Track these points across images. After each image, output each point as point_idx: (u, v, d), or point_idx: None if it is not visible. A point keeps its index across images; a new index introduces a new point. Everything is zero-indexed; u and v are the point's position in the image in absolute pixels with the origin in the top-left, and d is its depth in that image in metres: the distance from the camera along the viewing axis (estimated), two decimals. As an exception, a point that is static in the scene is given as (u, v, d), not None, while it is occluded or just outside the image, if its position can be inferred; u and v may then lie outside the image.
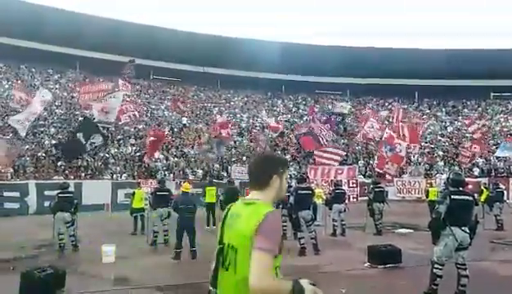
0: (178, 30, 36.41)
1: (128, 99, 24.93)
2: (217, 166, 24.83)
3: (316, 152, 23.38)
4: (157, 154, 22.78)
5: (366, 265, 7.79)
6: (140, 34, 33.69)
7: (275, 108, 38.55)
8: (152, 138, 20.73)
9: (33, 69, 33.72)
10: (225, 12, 79.00)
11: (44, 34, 31.68)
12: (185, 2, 65.29)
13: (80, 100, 24.35)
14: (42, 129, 25.07)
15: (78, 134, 17.67)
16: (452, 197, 5.78)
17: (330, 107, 37.19)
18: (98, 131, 18.22)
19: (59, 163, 21.25)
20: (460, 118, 36.85)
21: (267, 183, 2.11)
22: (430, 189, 15.83)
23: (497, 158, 26.61)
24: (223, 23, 73.87)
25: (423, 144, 31.70)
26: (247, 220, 1.97)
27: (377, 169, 22.90)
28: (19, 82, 29.32)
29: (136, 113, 23.30)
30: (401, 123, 25.35)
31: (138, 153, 24.16)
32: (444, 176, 16.43)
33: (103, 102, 20.87)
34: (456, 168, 25.00)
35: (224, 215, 2.18)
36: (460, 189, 5.95)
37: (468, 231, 5.73)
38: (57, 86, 32.47)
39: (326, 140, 25.08)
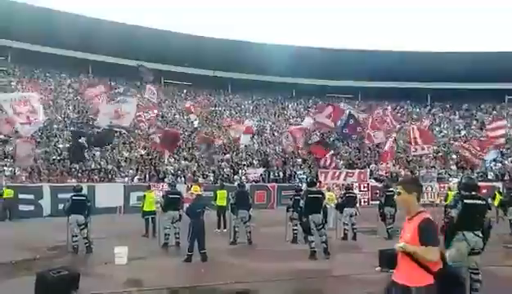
0: (189, 34, 36.68)
1: (144, 104, 24.71)
2: (228, 169, 24.94)
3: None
4: (167, 155, 22.81)
5: (376, 269, 7.73)
6: (151, 38, 34.02)
7: (285, 111, 38.56)
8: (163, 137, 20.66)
9: (48, 74, 34.33)
10: (235, 16, 79.42)
11: (58, 39, 32.23)
12: (195, 5, 65.86)
13: (88, 103, 24.57)
14: (55, 133, 25.49)
15: (81, 138, 17.35)
16: (465, 201, 5.72)
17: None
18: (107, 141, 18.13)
19: (72, 166, 21.55)
20: (474, 121, 36.38)
21: None
22: (449, 192, 15.63)
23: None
24: (234, 26, 74.30)
25: (435, 147, 31.43)
26: None
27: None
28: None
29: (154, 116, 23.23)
30: (412, 126, 25.12)
31: (150, 157, 24.38)
32: (456, 180, 16.22)
33: (113, 104, 20.93)
34: (469, 172, 24.78)
35: None
36: (473, 193, 5.89)
37: (481, 236, 5.67)
38: (70, 90, 33.00)
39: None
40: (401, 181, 3.47)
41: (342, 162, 27.20)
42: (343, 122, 22.61)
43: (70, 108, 29.65)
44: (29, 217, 16.55)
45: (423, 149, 23.64)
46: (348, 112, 24.61)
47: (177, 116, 32.46)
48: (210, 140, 22.96)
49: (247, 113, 36.46)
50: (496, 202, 14.34)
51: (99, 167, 22.44)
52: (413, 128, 24.00)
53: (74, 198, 9.85)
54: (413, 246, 2.99)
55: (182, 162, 25.10)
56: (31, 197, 17.67)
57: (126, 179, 21.68)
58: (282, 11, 79.37)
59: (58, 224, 11.85)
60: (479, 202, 5.84)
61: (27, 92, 19.80)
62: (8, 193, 16.81)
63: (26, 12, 30.34)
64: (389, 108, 28.95)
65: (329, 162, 22.37)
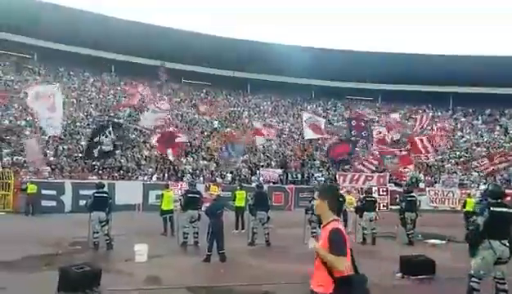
0: (209, 35, 36.97)
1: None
2: (246, 170, 24.98)
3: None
4: (171, 155, 22.96)
5: (397, 275, 7.62)
6: (172, 38, 34.40)
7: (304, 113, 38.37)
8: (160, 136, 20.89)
9: (72, 72, 35.09)
10: (256, 17, 79.56)
11: (82, 38, 32.96)
12: (217, 6, 66.32)
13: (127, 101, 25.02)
14: (78, 130, 26.01)
15: (95, 138, 17.34)
16: (492, 209, 5.61)
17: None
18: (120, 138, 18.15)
19: (93, 163, 21.94)
20: (497, 127, 35.47)
21: None
22: (468, 199, 15.29)
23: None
24: (254, 28, 74.45)
25: (457, 153, 30.78)
26: None
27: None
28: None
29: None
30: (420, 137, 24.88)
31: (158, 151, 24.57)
32: (483, 187, 15.85)
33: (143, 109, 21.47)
34: (492, 179, 24.15)
35: None
36: (500, 200, 5.75)
37: (507, 245, 5.52)
38: (93, 89, 33.64)
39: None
40: (319, 188, 3.67)
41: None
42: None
43: (93, 106, 30.21)
44: (51, 212, 16.92)
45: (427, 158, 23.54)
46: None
47: (196, 116, 32.69)
48: (243, 141, 23.18)
49: (265, 114, 36.46)
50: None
51: (119, 164, 22.76)
52: (421, 140, 23.82)
53: (96, 194, 10.00)
54: (325, 251, 3.06)
55: (201, 161, 25.27)
56: (53, 193, 18.05)
57: (145, 177, 21.93)
58: (303, 12, 79.08)
59: (79, 220, 12.08)
60: (506, 210, 5.70)
61: (51, 86, 20.09)
62: (32, 189, 17.17)
63: (52, 12, 31.10)
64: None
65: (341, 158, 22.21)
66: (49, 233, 11.78)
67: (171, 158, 21.52)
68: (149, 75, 35.87)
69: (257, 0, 76.03)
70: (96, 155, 17.74)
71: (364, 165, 23.09)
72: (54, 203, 17.90)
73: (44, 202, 17.67)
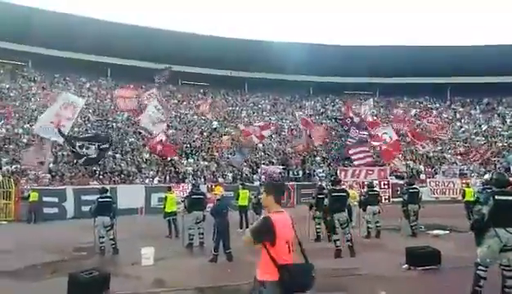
0: (205, 35, 36.95)
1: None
2: (248, 169, 25.02)
3: (350, 151, 23.44)
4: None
5: (404, 266, 7.66)
6: (168, 40, 34.32)
7: (303, 110, 38.45)
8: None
9: (68, 78, 35.00)
10: (251, 15, 79.51)
11: (77, 43, 32.77)
12: (211, 6, 66.27)
13: (121, 104, 24.87)
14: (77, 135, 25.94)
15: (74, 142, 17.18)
16: (496, 197, 5.63)
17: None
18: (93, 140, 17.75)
19: (94, 169, 21.94)
20: (495, 116, 35.55)
21: None
22: (467, 189, 15.37)
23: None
24: (249, 26, 74.37)
25: (457, 143, 30.89)
26: None
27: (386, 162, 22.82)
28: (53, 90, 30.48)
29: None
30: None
31: (170, 158, 24.63)
32: (487, 176, 15.90)
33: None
34: (493, 167, 24.27)
35: None
36: (504, 189, 5.78)
37: (512, 232, 5.56)
38: (90, 93, 33.57)
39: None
40: (264, 184, 4.09)
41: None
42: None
43: (90, 111, 30.17)
44: (53, 220, 16.91)
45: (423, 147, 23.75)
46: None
47: (195, 117, 32.68)
48: (252, 144, 23.19)
49: (264, 112, 36.46)
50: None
51: (120, 168, 22.76)
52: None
53: (99, 199, 10.00)
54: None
55: (201, 162, 25.28)
56: (55, 199, 18.07)
57: (147, 180, 21.95)
58: (297, 9, 79.11)
59: (82, 225, 12.09)
60: (510, 198, 5.73)
61: (75, 97, 20.05)
62: (34, 197, 17.17)
63: (46, 18, 30.98)
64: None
65: (362, 155, 22.46)
66: (53, 240, 11.79)
67: (176, 157, 21.53)
68: (146, 78, 35.83)
69: (250, -2, 76.03)
70: (81, 163, 17.69)
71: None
72: (56, 210, 17.91)
73: (46, 210, 17.68)
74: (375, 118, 24.80)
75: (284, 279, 3.18)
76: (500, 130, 32.49)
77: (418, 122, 32.73)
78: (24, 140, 23.41)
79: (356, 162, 22.89)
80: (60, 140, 19.33)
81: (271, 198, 3.50)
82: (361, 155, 22.69)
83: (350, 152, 23.59)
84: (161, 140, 20.66)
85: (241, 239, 3.37)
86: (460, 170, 26.36)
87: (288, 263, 3.27)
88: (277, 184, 3.79)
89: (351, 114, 28.67)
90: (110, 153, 22.00)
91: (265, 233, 3.28)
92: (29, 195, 17.30)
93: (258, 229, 3.33)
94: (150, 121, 19.66)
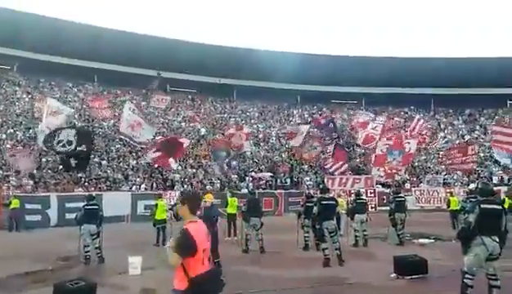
0: (194, 42, 36.91)
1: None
2: (236, 176, 24.96)
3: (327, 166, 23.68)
4: (173, 163, 22.59)
5: (392, 275, 7.71)
6: (156, 47, 34.21)
7: (291, 118, 38.64)
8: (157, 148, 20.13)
9: (53, 83, 34.49)
10: (240, 23, 79.91)
11: (63, 48, 32.47)
12: (200, 13, 66.37)
13: (98, 114, 24.58)
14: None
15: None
16: (482, 206, 5.75)
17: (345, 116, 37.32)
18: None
19: (80, 175, 21.59)
20: (477, 126, 36.36)
21: None
22: (451, 198, 15.62)
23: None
24: (239, 34, 74.67)
25: (440, 153, 31.41)
26: None
27: (386, 180, 22.85)
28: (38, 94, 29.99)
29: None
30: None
31: (157, 165, 24.39)
32: (471, 186, 16.19)
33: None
34: (475, 177, 24.73)
35: None
36: (489, 198, 5.90)
37: (497, 240, 5.66)
38: (76, 99, 33.14)
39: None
40: (181, 194, 4.14)
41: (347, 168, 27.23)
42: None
43: (76, 116, 29.74)
44: (35, 227, 16.53)
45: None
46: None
47: (182, 124, 32.53)
48: (230, 146, 22.92)
49: (252, 120, 36.52)
50: (505, 206, 14.28)
51: (106, 175, 22.46)
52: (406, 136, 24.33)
53: (86, 207, 9.80)
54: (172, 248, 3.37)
55: (189, 169, 25.13)
56: (38, 207, 17.69)
57: (133, 187, 21.69)
58: (287, 18, 79.89)
59: (66, 233, 11.85)
60: (496, 206, 5.86)
61: (59, 104, 19.66)
62: (15, 204, 16.79)
63: (32, 22, 30.57)
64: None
65: (338, 165, 22.59)
66: (36, 249, 11.52)
67: (173, 166, 21.15)
68: (133, 84, 35.58)
69: (241, 7, 76.49)
70: (73, 165, 17.12)
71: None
72: (39, 218, 17.52)
73: (28, 217, 17.29)
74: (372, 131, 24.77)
75: (193, 289, 3.28)
76: (482, 140, 33.15)
77: (403, 131, 33.19)
78: (8, 146, 22.94)
79: (335, 172, 23.08)
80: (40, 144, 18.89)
81: (185, 208, 3.54)
82: (337, 165, 22.91)
83: (327, 166, 23.86)
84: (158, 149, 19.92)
85: (168, 258, 3.39)
86: (444, 179, 26.78)
87: (200, 271, 3.34)
88: (192, 194, 3.90)
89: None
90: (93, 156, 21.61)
91: (188, 246, 3.32)
92: (10, 202, 16.90)
93: (181, 244, 3.33)
94: (129, 125, 19.09)
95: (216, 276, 3.50)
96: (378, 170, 21.73)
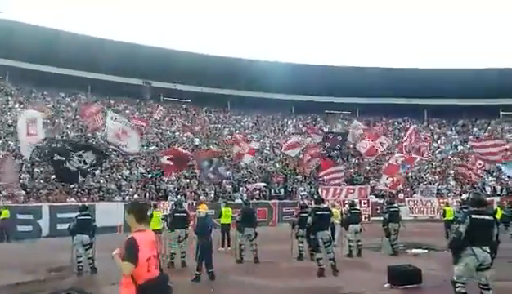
0: (188, 52, 36.99)
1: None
2: (230, 187, 24.91)
3: (321, 173, 23.73)
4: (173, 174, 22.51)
5: (386, 285, 7.72)
6: (151, 57, 34.22)
7: (285, 128, 38.74)
8: (171, 157, 20.07)
9: (46, 92, 34.32)
10: (234, 33, 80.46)
11: (56, 58, 32.35)
12: (194, 24, 66.80)
13: (90, 124, 24.51)
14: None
15: (55, 156, 16.58)
16: (473, 216, 5.79)
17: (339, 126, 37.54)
18: (89, 149, 17.26)
19: (71, 186, 21.40)
20: (470, 137, 36.69)
21: None
22: (446, 208, 15.70)
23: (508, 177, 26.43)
24: (233, 44, 75.15)
25: (434, 163, 31.61)
26: None
27: (390, 190, 22.93)
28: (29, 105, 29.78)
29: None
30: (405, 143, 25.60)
31: (150, 175, 24.32)
32: (464, 196, 16.32)
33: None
34: (468, 187, 24.90)
35: None
36: (480, 208, 5.96)
37: (488, 251, 5.71)
38: (69, 109, 33.01)
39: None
40: (128, 204, 4.24)
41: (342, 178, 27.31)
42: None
43: (69, 126, 29.63)
44: (27, 238, 16.34)
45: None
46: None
47: (177, 134, 32.50)
48: (213, 155, 22.74)
49: (247, 130, 36.55)
50: (497, 217, 14.39)
51: (99, 185, 22.31)
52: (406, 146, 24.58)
53: (79, 217, 9.73)
54: (119, 258, 3.44)
55: (183, 180, 25.05)
56: (30, 217, 17.47)
57: (126, 197, 21.54)
58: (281, 28, 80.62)
59: (58, 244, 11.74)
60: (487, 217, 5.91)
61: (34, 111, 19.65)
62: (5, 214, 16.55)
63: (24, 31, 30.48)
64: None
65: (330, 176, 22.64)
66: (28, 260, 11.40)
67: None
68: (127, 94, 35.52)
69: (235, 17, 77.13)
70: (77, 178, 17.20)
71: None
72: (30, 228, 17.31)
73: (20, 228, 17.08)
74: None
75: None
76: (475, 151, 33.39)
77: (396, 141, 33.42)
78: (0, 156, 22.72)
79: (331, 182, 23.15)
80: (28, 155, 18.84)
81: (131, 217, 3.60)
82: (333, 175, 22.98)
83: (321, 174, 23.92)
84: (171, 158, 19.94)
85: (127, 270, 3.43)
86: (437, 189, 26.92)
87: (146, 280, 3.40)
88: (138, 204, 3.99)
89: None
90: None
91: (135, 254, 3.38)
92: (0, 212, 16.72)
93: (131, 253, 3.38)
94: (114, 134, 19.03)
95: (163, 282, 3.58)
96: (387, 179, 21.98)
